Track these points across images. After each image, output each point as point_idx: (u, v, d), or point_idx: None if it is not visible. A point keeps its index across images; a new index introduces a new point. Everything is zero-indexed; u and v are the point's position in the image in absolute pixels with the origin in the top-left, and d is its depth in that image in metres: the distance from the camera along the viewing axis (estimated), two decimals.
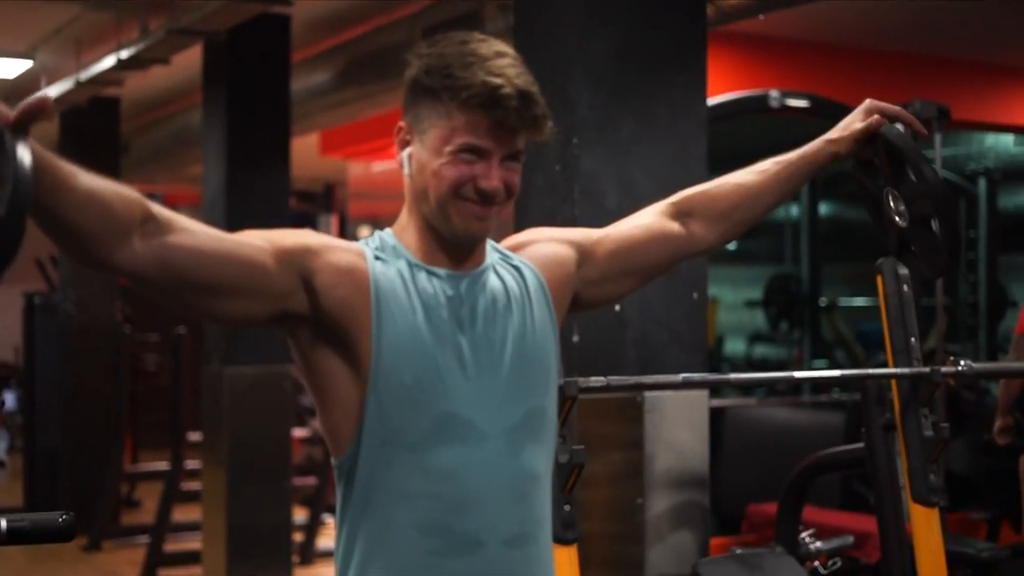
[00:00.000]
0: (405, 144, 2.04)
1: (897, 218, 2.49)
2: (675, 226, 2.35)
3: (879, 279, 4.01)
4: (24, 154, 1.59)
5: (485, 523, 1.98)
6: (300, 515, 8.74)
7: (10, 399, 13.26)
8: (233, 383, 7.08)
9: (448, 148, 1.96)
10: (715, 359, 11.06)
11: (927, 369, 3.82)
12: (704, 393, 4.14)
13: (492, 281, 2.08)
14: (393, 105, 7.50)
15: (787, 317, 10.68)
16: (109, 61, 7.28)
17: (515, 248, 2.19)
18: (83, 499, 9.21)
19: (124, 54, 7.04)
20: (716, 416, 5.25)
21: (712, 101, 5.01)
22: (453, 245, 2.03)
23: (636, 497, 3.94)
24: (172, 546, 8.43)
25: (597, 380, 3.42)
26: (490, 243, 2.15)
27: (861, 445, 4.04)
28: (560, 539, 3.21)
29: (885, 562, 3.92)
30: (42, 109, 1.63)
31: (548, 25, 4.08)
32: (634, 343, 3.99)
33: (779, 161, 2.44)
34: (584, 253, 2.24)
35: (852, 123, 2.45)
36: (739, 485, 7.44)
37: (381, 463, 1.97)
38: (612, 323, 3.96)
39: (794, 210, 10.97)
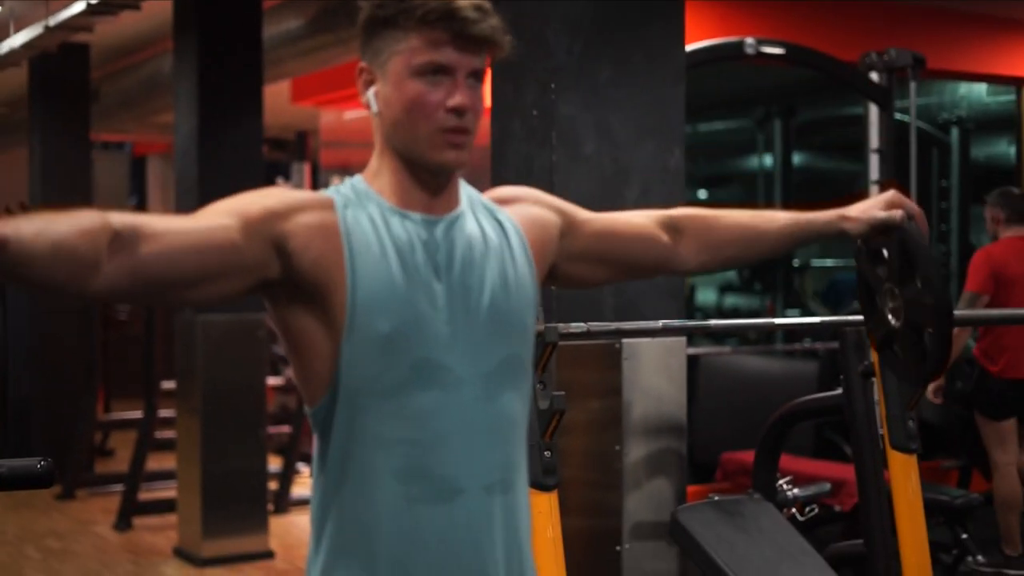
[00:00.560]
0: (368, 84, 2.02)
1: (890, 316, 2.48)
2: (664, 236, 2.33)
3: None
4: None
5: (463, 468, 1.98)
6: (274, 464, 8.74)
7: None
8: (207, 331, 7.06)
9: (411, 70, 1.95)
10: (687, 309, 11.08)
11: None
12: (682, 340, 4.13)
13: (470, 226, 2.06)
14: None
15: (759, 278, 10.69)
16: (79, 6, 7.20)
17: (501, 202, 2.17)
18: (56, 448, 9.17)
19: None
20: (690, 364, 5.27)
21: (687, 48, 4.98)
22: (428, 184, 2.02)
23: (614, 444, 3.94)
24: (146, 495, 8.42)
25: (577, 326, 3.41)
26: (471, 190, 2.14)
27: (839, 392, 4.04)
28: (540, 485, 3.20)
29: (863, 509, 3.93)
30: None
31: None
32: (612, 291, 3.98)
33: (788, 217, 2.43)
34: (569, 225, 2.22)
35: (872, 209, 2.42)
36: (712, 433, 7.48)
37: (358, 411, 1.96)
38: None
39: (768, 160, 10.97)
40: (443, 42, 1.94)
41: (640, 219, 2.34)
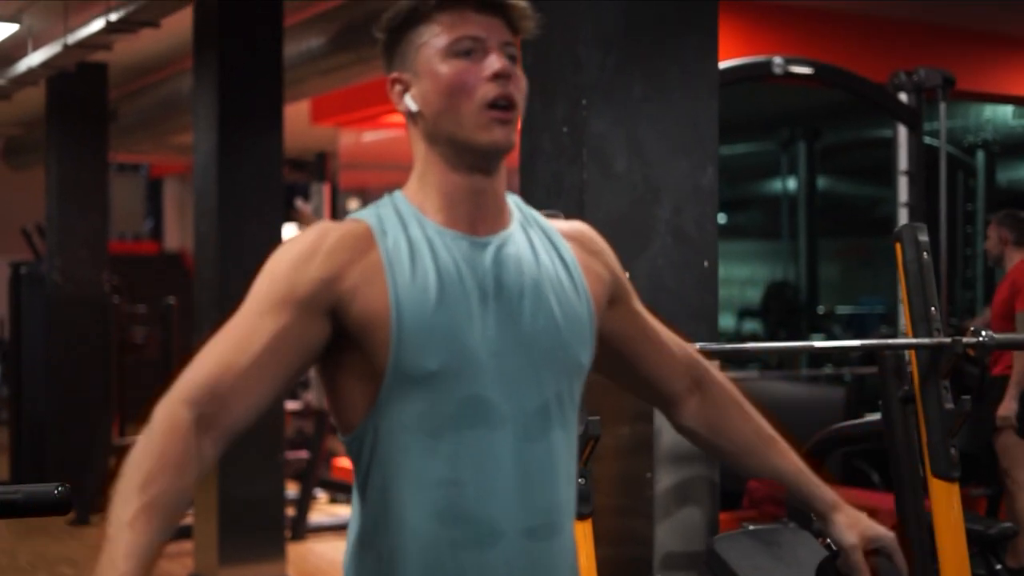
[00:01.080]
0: (403, 92, 1.92)
1: None
2: (685, 382, 2.17)
3: (898, 247, 3.89)
4: None
5: (506, 511, 1.85)
6: (292, 489, 8.63)
7: None
8: None
9: (442, 53, 1.87)
10: None
11: (948, 339, 3.71)
12: (715, 365, 4.02)
13: (521, 248, 1.93)
14: None
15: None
16: (98, 24, 7.12)
17: (566, 234, 2.03)
18: (71, 472, 9.05)
19: (113, 16, 6.87)
20: None
21: None
22: (475, 190, 1.89)
23: (645, 471, 3.83)
24: None
25: None
26: (525, 206, 2.01)
27: (877, 418, 3.93)
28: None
29: (903, 538, 3.80)
30: None
31: None
32: None
33: (794, 466, 2.30)
34: (621, 298, 2.09)
35: (866, 524, 2.23)
36: None
37: (398, 449, 1.84)
38: None
39: (791, 183, 10.87)
40: (465, 16, 1.87)
41: (678, 348, 2.18)
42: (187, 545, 7.66)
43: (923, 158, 7.12)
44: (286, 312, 1.81)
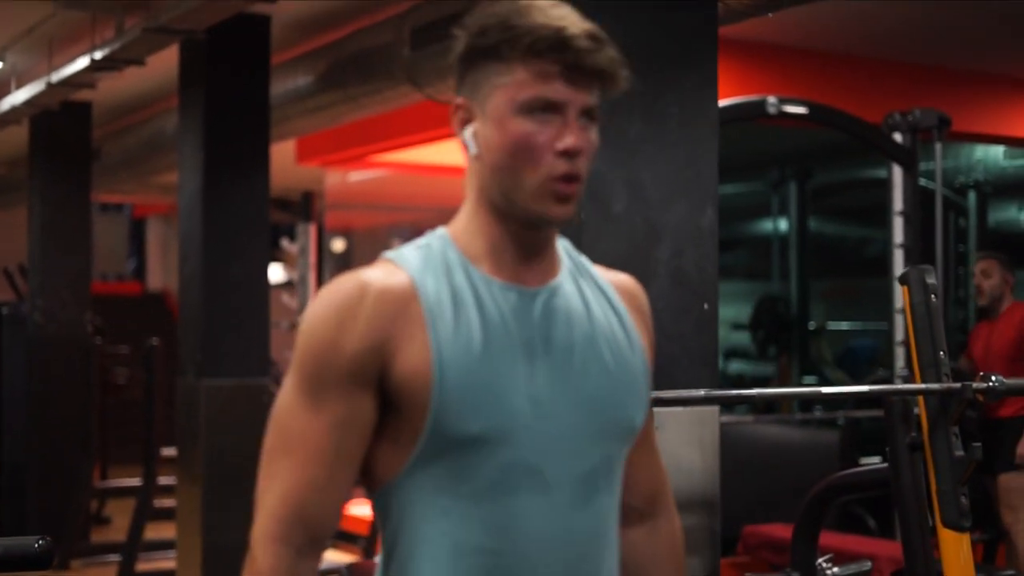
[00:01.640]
0: (465, 123, 1.76)
1: None
2: (641, 495, 1.96)
3: (904, 290, 3.79)
4: None
5: None
6: None
7: None
8: (209, 396, 6.83)
9: (516, 107, 1.69)
10: None
11: (958, 385, 3.60)
12: (715, 410, 3.93)
13: (572, 300, 1.79)
14: (376, 109, 7.27)
15: (774, 341, 10.48)
16: (82, 62, 7.03)
17: (620, 287, 1.90)
18: (51, 516, 8.92)
19: (98, 54, 6.78)
20: None
21: None
22: (525, 243, 1.75)
23: None
24: (144, 565, 8.18)
25: None
26: (573, 251, 1.88)
27: (883, 465, 3.82)
28: None
29: None
30: None
31: None
32: None
33: None
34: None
35: None
36: (731, 505, 7.24)
37: (433, 513, 1.71)
38: None
39: (783, 224, 10.80)
40: (552, 75, 1.69)
41: (654, 464, 1.99)
42: None
43: (918, 199, 7.05)
44: (340, 397, 1.69)
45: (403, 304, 1.70)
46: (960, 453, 3.64)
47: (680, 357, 3.88)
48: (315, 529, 1.72)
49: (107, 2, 6.56)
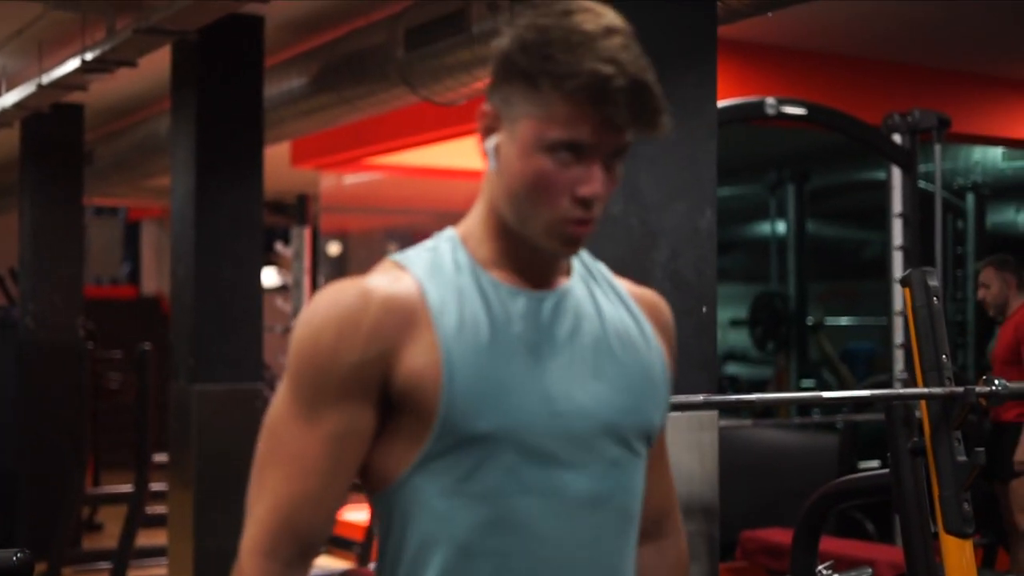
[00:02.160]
0: (490, 131, 1.68)
1: None
2: (649, 514, 1.89)
3: (907, 292, 3.73)
4: None
5: None
6: None
7: None
8: (201, 401, 6.76)
9: (543, 143, 1.60)
10: None
11: (961, 389, 3.54)
12: (714, 415, 3.88)
13: (583, 302, 1.74)
14: (371, 111, 7.20)
15: (773, 337, 10.42)
16: (73, 63, 6.95)
17: (639, 298, 1.84)
18: (43, 522, 8.84)
19: (89, 56, 6.71)
20: None
21: None
22: (533, 256, 1.70)
23: None
24: (136, 573, 8.12)
25: None
26: (589, 260, 1.81)
27: (879, 468, 3.76)
28: None
29: None
30: None
31: None
32: None
33: None
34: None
35: None
36: (729, 510, 7.18)
37: (440, 515, 1.64)
38: None
39: (781, 226, 10.74)
40: (587, 122, 1.59)
41: (664, 482, 1.93)
42: None
43: (918, 201, 7.00)
44: (338, 409, 1.63)
45: (410, 310, 1.65)
46: (963, 458, 3.58)
47: (679, 361, 3.82)
48: (306, 541, 1.67)
49: (98, 3, 6.50)
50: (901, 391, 3.77)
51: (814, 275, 10.96)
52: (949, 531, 3.58)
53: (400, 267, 1.69)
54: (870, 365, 10.45)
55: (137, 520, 7.87)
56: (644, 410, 1.74)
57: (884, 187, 7.20)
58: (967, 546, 3.59)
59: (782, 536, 6.28)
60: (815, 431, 8.32)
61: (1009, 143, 9.49)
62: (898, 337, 6.95)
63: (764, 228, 11.41)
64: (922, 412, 3.67)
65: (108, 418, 10.41)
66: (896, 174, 7.03)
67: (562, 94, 1.58)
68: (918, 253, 6.92)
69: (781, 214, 10.57)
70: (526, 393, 1.64)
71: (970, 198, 9.90)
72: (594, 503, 1.68)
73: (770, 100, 6.22)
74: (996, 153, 10.35)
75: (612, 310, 1.76)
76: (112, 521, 9.91)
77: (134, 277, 20.10)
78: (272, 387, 8.19)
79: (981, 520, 7.24)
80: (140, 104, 9.69)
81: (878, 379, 7.40)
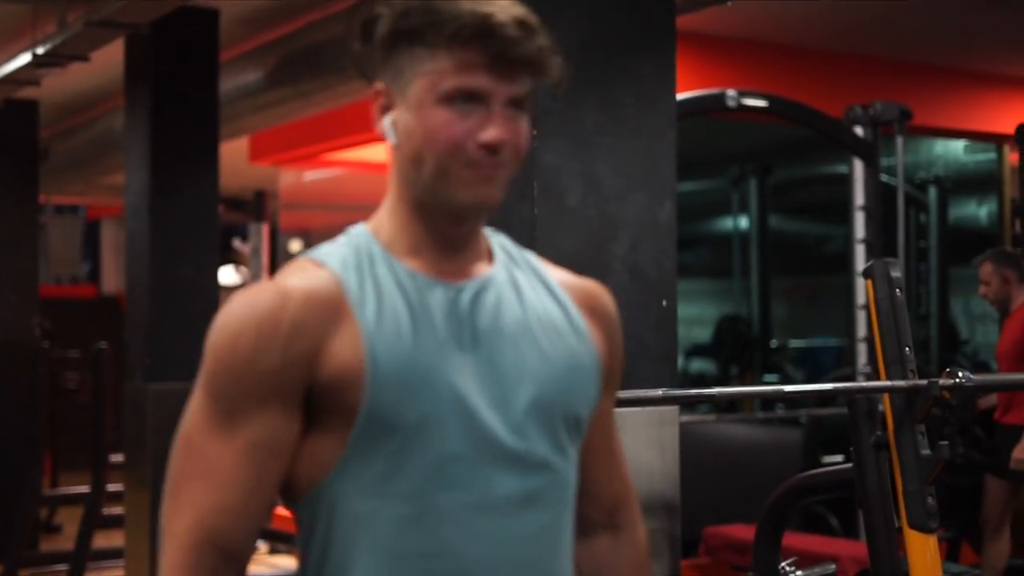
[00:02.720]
0: (385, 110, 1.67)
1: None
2: (605, 505, 1.86)
3: (869, 284, 3.67)
4: None
5: None
6: None
7: None
8: (158, 400, 6.67)
9: (437, 95, 1.59)
10: None
11: (924, 382, 3.49)
12: (675, 410, 3.81)
13: (504, 292, 1.70)
14: (328, 106, 7.13)
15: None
16: (24, 58, 6.84)
17: (568, 285, 1.79)
18: None
19: (40, 50, 6.60)
20: None
21: None
22: (449, 235, 1.66)
23: None
24: (94, 574, 7.99)
25: None
26: (510, 244, 1.78)
27: (848, 465, 3.71)
28: None
29: None
30: None
31: None
32: None
33: None
34: (604, 381, 1.79)
35: None
36: (692, 506, 7.13)
37: (365, 516, 1.59)
38: None
39: (743, 221, 10.71)
40: (477, 65, 1.60)
41: (618, 473, 1.89)
42: None
43: (880, 194, 6.96)
44: (259, 417, 1.58)
45: (331, 304, 1.60)
46: (926, 452, 3.53)
47: (638, 356, 3.76)
48: (231, 557, 1.60)
49: None
50: (863, 384, 3.73)
51: (778, 270, 10.93)
52: (913, 526, 3.54)
53: (315, 263, 1.65)
54: (836, 361, 10.43)
55: (94, 521, 7.77)
56: (569, 401, 1.70)
57: (846, 181, 7.17)
58: (931, 540, 3.55)
59: (746, 532, 6.23)
60: (779, 426, 8.27)
61: (971, 136, 9.49)
62: (861, 331, 6.91)
63: (727, 223, 11.37)
64: (885, 406, 3.62)
65: (65, 418, 10.30)
66: (858, 167, 7.00)
67: (447, 40, 1.58)
68: (880, 246, 6.89)
69: (743, 209, 10.52)
70: (448, 387, 1.60)
71: (932, 191, 9.87)
72: (522, 499, 1.63)
73: (731, 92, 6.17)
74: (958, 147, 10.35)
75: (536, 299, 1.72)
76: (71, 522, 9.80)
77: (94, 276, 19.94)
78: None
79: (945, 514, 7.24)
80: (96, 100, 9.56)
81: (842, 373, 7.37)
